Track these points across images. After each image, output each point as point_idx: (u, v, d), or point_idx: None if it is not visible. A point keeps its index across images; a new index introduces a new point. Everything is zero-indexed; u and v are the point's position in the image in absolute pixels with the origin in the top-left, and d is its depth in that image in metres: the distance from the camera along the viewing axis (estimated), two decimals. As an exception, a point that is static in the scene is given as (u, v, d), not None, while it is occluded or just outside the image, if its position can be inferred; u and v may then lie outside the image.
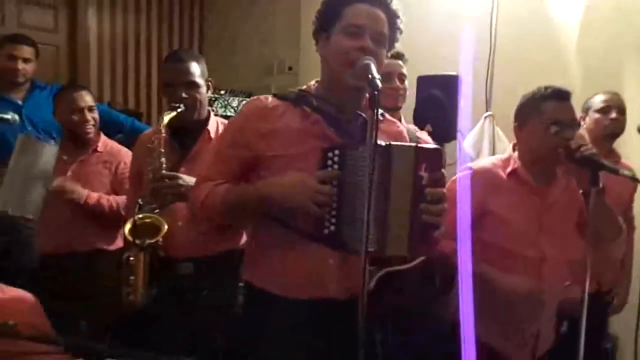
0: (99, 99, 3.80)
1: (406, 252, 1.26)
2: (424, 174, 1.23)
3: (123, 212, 2.19)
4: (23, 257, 2.48)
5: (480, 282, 1.53)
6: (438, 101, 2.45)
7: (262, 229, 1.40)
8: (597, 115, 2.34)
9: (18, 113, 2.41)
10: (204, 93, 1.85)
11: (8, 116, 1.95)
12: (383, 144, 1.24)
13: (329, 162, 1.25)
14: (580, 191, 1.66)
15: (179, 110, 1.75)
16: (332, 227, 1.25)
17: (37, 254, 2.44)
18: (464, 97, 2.40)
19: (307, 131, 1.33)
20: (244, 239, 1.96)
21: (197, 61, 1.83)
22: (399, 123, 1.53)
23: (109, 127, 2.94)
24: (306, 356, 1.32)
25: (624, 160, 2.38)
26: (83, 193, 2.20)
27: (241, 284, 2.44)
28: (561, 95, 1.67)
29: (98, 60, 4.21)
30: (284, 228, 1.32)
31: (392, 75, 1.97)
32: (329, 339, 1.31)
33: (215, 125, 1.89)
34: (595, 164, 1.54)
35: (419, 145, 1.33)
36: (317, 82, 1.42)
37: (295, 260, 1.32)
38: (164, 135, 1.72)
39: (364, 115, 1.34)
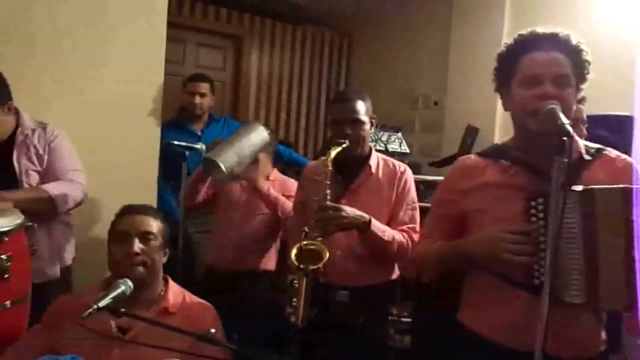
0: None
1: (623, 307, 1.14)
2: (634, 217, 1.12)
3: (281, 215, 2.31)
4: (189, 269, 2.72)
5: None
6: (605, 144, 2.24)
7: (474, 275, 1.41)
8: None
9: (195, 142, 2.67)
10: (368, 130, 1.90)
11: (198, 146, 2.18)
12: (581, 188, 1.16)
13: (533, 211, 1.21)
14: None
15: (344, 145, 1.81)
16: (543, 278, 1.18)
17: (202, 268, 2.65)
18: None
19: (507, 184, 1.32)
20: (396, 272, 1.97)
21: (363, 99, 1.89)
22: (624, 156, 1.37)
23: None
24: None
25: None
26: (265, 185, 2.33)
27: (391, 317, 2.43)
28: None
29: (256, 94, 4.58)
30: (495, 276, 1.30)
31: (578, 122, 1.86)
32: None
33: (376, 160, 1.94)
34: None
35: (625, 186, 1.19)
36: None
37: (509, 309, 1.29)
38: (330, 168, 1.78)
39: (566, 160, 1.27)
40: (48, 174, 2.06)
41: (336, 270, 1.80)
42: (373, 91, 4.51)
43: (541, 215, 1.21)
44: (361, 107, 1.87)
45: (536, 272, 1.20)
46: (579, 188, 1.16)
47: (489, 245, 1.25)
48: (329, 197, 1.75)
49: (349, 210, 1.73)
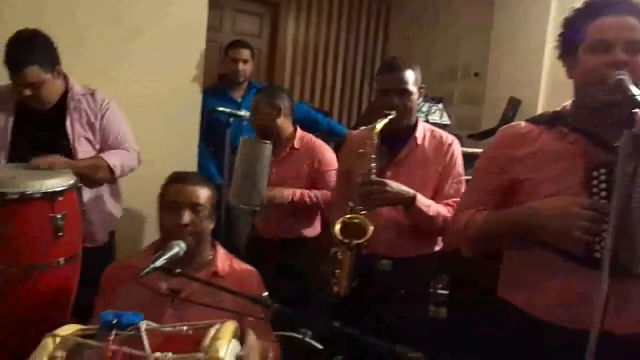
0: (290, 96, 4.08)
1: None
2: None
3: (322, 204, 2.32)
4: (230, 235, 2.76)
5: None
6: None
7: (520, 249, 1.34)
8: None
9: (236, 109, 2.66)
10: (415, 100, 1.84)
11: (242, 113, 2.17)
12: None
13: (595, 182, 1.16)
14: None
15: (391, 117, 1.76)
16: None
17: (244, 234, 2.68)
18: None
19: (566, 151, 1.25)
20: (439, 244, 1.95)
21: (412, 68, 1.83)
22: None
23: (307, 124, 3.15)
24: None
25: None
26: (287, 195, 2.29)
27: (431, 290, 2.42)
28: None
29: (292, 63, 4.53)
30: (546, 250, 1.25)
31: None
32: None
33: (423, 132, 1.88)
34: None
35: None
36: (571, 103, 1.33)
37: (562, 285, 1.24)
38: (375, 142, 1.73)
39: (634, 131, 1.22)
40: (104, 144, 2.11)
41: (380, 241, 1.77)
42: (411, 61, 4.44)
43: (603, 186, 1.15)
44: (410, 76, 1.80)
45: (597, 246, 1.15)
46: None
47: (562, 219, 1.16)
48: (374, 171, 1.71)
49: (394, 186, 1.70)
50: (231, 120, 2.16)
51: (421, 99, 1.89)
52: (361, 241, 1.66)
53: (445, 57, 4.10)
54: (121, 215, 2.30)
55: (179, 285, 1.49)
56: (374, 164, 1.72)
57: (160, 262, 1.24)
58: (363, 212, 1.70)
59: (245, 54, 3.00)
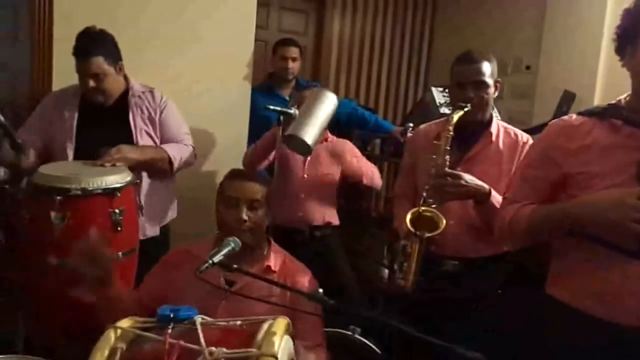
0: (335, 94, 4.05)
1: None
2: None
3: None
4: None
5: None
6: None
7: (568, 244, 1.28)
8: None
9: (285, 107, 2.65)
10: (491, 93, 1.75)
11: (291, 111, 2.16)
12: None
13: None
14: None
15: (466, 109, 1.68)
16: None
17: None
18: None
19: (620, 144, 1.20)
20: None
21: (489, 60, 1.74)
22: None
23: (353, 122, 3.12)
24: None
25: None
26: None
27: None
28: None
29: (337, 60, 4.47)
30: (596, 244, 1.19)
31: None
32: None
33: (497, 128, 1.78)
34: None
35: None
36: (628, 95, 1.26)
37: (616, 280, 1.17)
38: (451, 133, 1.66)
39: None
40: (162, 139, 2.15)
41: (447, 239, 1.69)
42: (458, 54, 4.33)
43: None
44: (487, 68, 1.72)
45: None
46: None
47: (616, 211, 1.11)
48: (447, 163, 1.64)
49: (468, 179, 1.61)
50: (281, 118, 2.16)
51: (497, 93, 1.78)
52: (433, 234, 1.59)
53: (495, 50, 3.91)
54: (175, 211, 2.34)
55: (232, 279, 1.50)
56: (447, 156, 1.65)
57: (217, 258, 1.25)
58: (434, 206, 1.63)
59: (294, 51, 2.97)
